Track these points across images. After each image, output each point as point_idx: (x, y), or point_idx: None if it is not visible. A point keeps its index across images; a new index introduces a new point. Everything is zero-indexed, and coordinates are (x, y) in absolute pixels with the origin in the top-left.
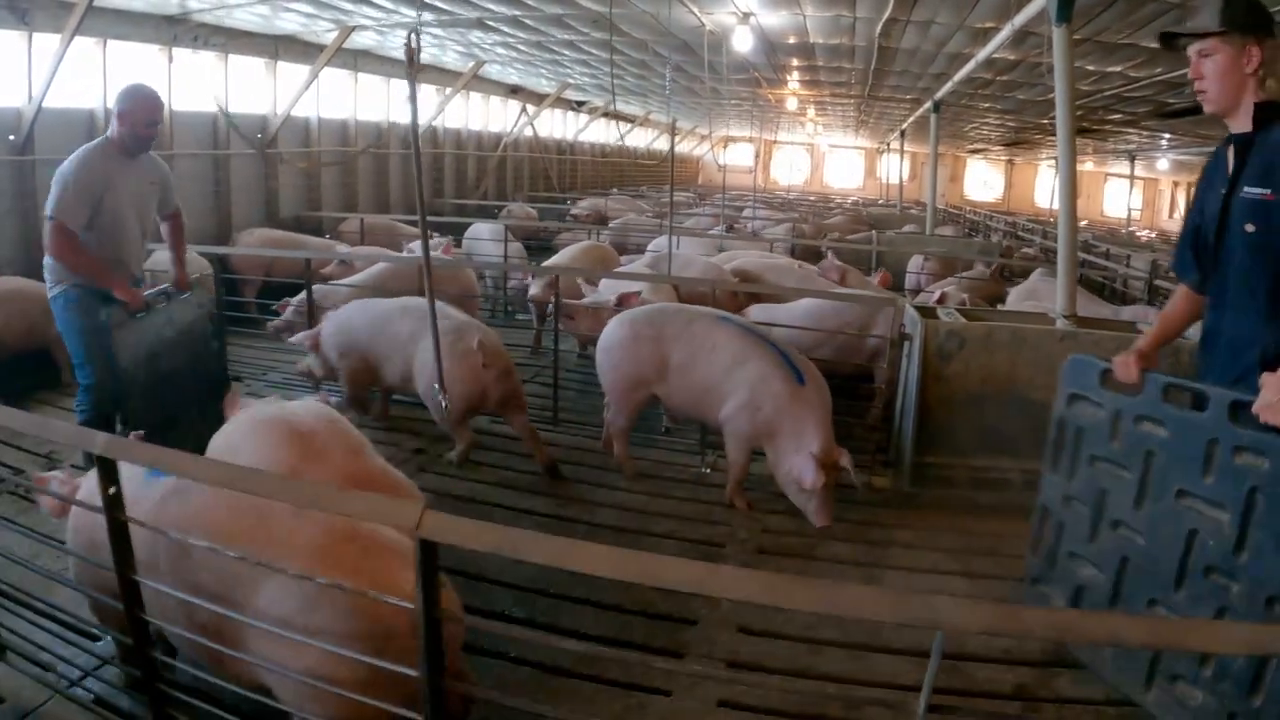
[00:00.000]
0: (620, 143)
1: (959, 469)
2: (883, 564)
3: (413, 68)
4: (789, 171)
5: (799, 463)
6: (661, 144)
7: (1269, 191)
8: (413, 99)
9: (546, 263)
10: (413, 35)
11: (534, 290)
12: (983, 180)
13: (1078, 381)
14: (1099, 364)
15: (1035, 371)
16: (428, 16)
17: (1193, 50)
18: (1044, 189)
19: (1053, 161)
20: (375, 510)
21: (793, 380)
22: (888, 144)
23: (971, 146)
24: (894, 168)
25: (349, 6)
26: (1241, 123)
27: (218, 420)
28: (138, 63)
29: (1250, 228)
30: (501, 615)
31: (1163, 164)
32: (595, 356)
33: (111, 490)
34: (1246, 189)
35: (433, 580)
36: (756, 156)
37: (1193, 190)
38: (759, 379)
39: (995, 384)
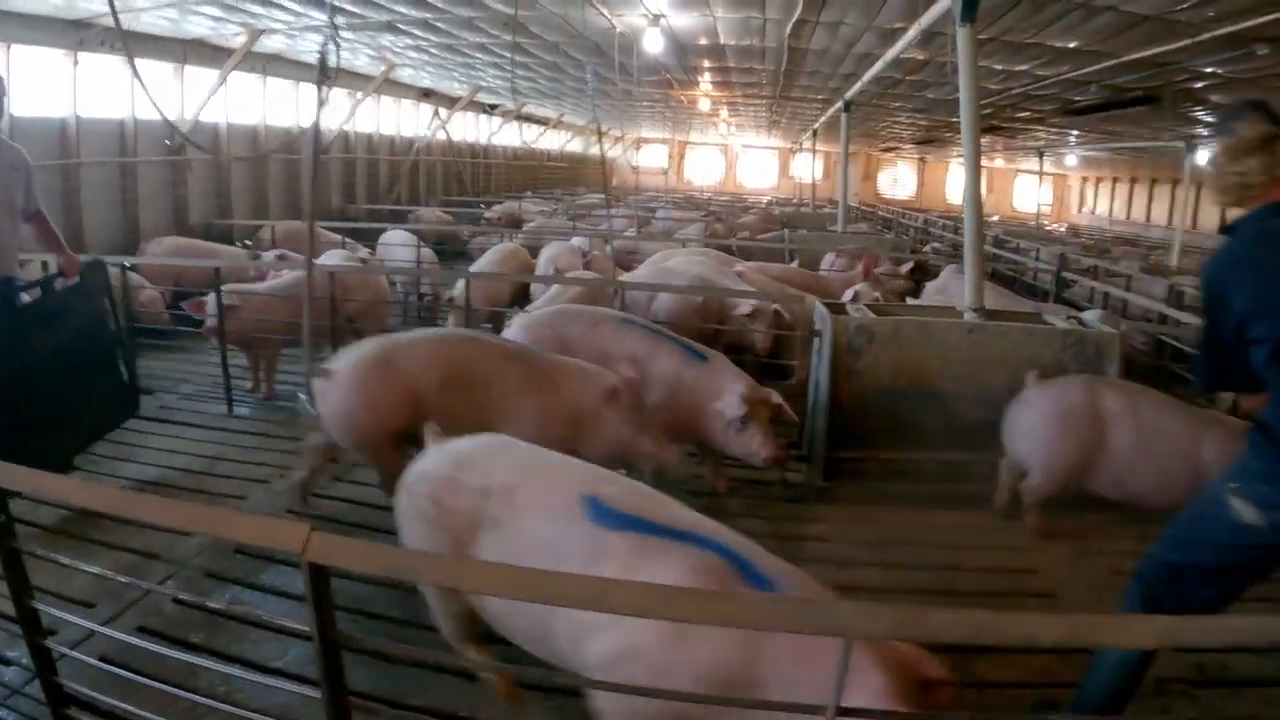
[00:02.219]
0: (533, 145)
1: (871, 461)
2: (798, 558)
3: (325, 76)
4: (703, 172)
5: (725, 402)
6: (574, 146)
7: None
8: (319, 106)
9: (473, 267)
10: (329, 44)
11: (452, 293)
12: (894, 178)
13: None
14: None
15: (945, 364)
16: (338, 20)
17: None
18: (955, 186)
19: (962, 159)
20: (260, 531)
21: (697, 361)
22: (800, 143)
23: (884, 145)
24: (807, 167)
25: (258, 10)
26: None
27: (110, 425)
28: (42, 67)
29: None
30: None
31: (1071, 160)
32: None
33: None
34: None
35: (325, 604)
36: (670, 157)
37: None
38: (670, 372)
39: (906, 377)
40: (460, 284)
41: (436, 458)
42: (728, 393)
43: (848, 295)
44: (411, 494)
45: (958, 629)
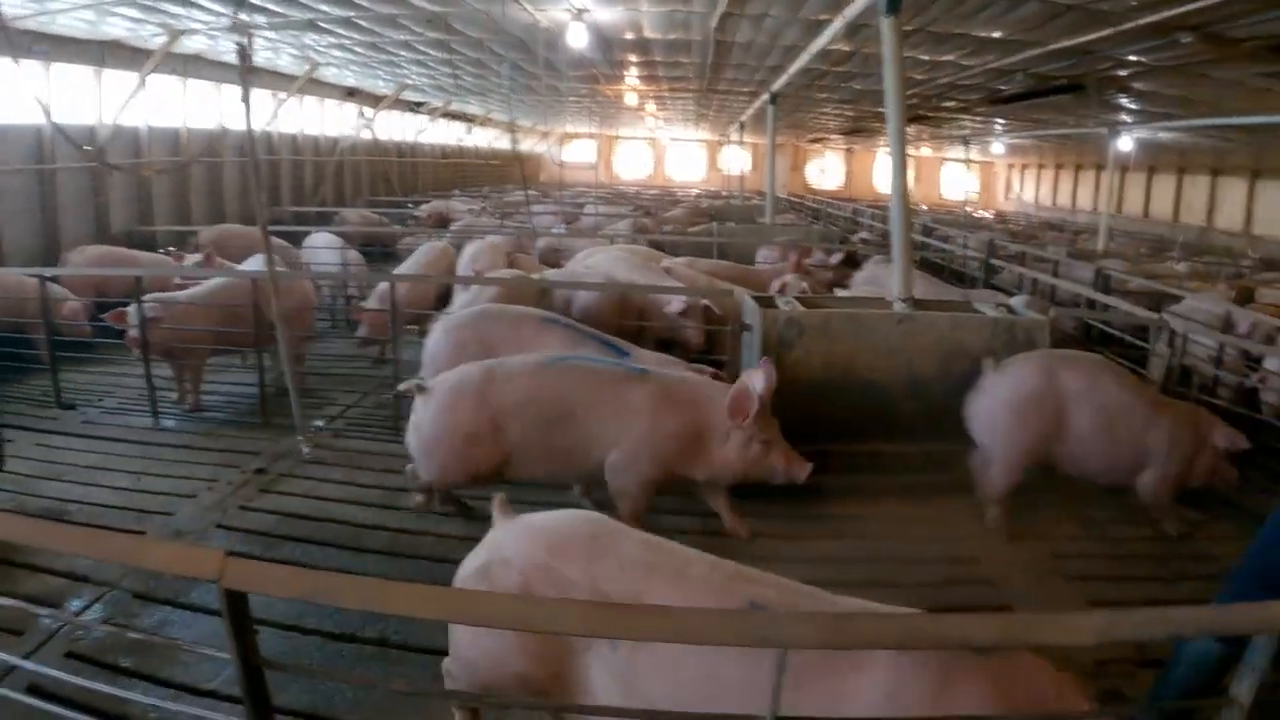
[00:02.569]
0: (461, 143)
1: (805, 455)
2: (735, 557)
3: (246, 71)
4: (631, 166)
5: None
6: (503, 143)
7: None
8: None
9: (399, 269)
10: (246, 40)
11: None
12: (821, 168)
13: None
14: None
15: (875, 355)
16: (260, 19)
17: None
18: (883, 175)
19: (889, 148)
20: (174, 559)
21: (617, 355)
22: (728, 136)
23: (811, 136)
24: (735, 159)
25: (177, 10)
26: None
27: None
28: None
29: None
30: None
31: (997, 148)
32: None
33: None
34: None
35: (245, 628)
36: (599, 152)
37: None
38: None
39: (836, 369)
40: (375, 293)
41: (519, 538)
42: None
43: (775, 287)
44: (490, 580)
45: (893, 634)
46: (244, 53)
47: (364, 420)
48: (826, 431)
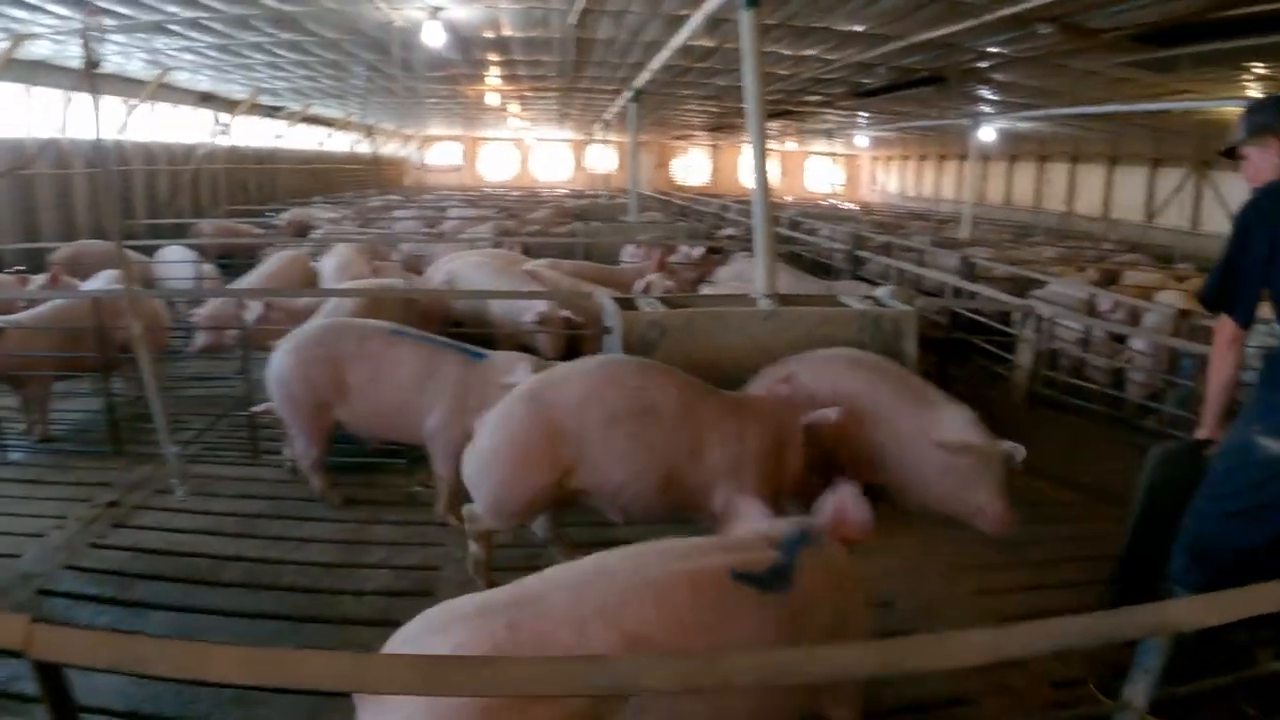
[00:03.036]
0: (321, 148)
1: None
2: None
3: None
4: (497, 167)
5: (514, 375)
6: (365, 148)
7: None
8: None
9: (247, 281)
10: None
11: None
12: (688, 165)
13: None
14: None
15: (741, 353)
16: (107, 21)
17: (1239, 152)
18: (747, 170)
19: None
20: None
21: (476, 365)
22: (593, 135)
23: (677, 133)
24: (601, 158)
25: (21, 14)
26: None
27: None
28: None
29: None
30: None
31: (861, 140)
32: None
33: None
34: None
35: (65, 704)
36: (463, 154)
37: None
38: (455, 383)
39: (702, 369)
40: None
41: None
42: (518, 368)
43: (639, 287)
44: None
45: (757, 670)
46: (91, 56)
47: (219, 444)
48: None
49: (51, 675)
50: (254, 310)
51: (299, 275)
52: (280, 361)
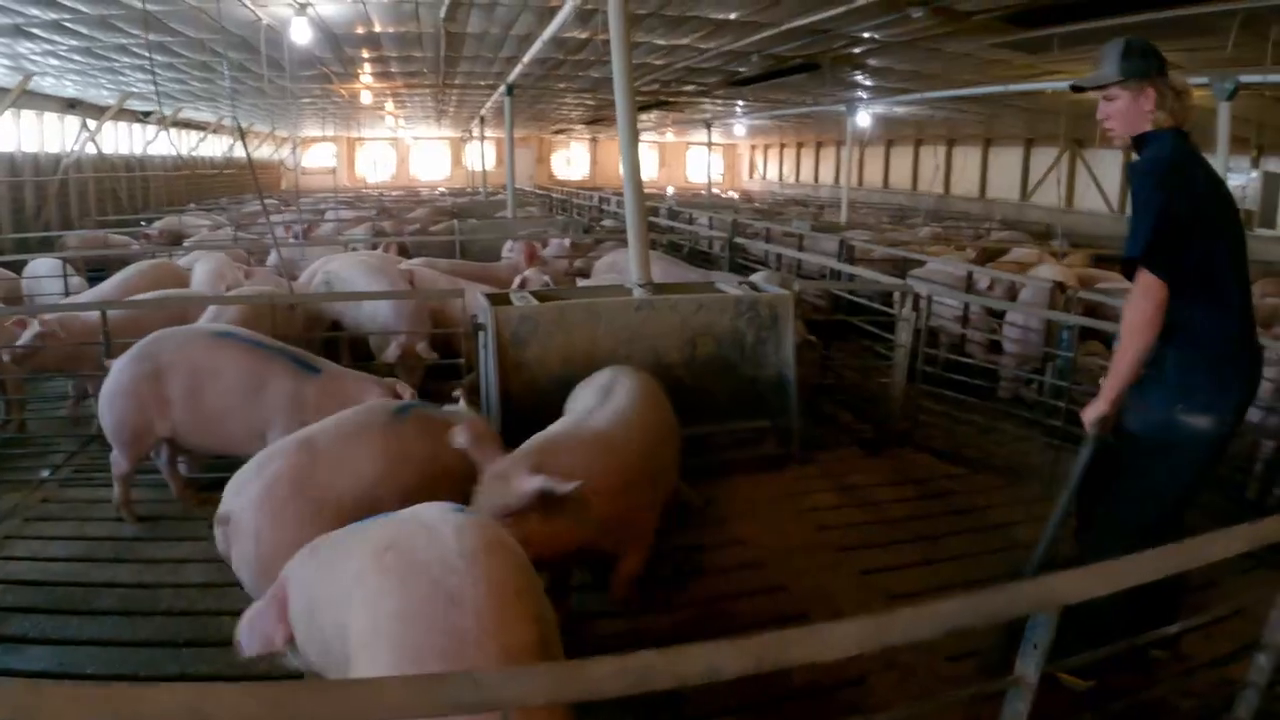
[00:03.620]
0: (194, 153)
1: None
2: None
3: None
4: (375, 168)
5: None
6: (238, 152)
7: None
8: None
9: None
10: None
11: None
12: (567, 159)
13: None
14: None
15: (616, 344)
16: None
17: (1099, 95)
18: None
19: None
20: None
21: (312, 377)
22: (470, 132)
23: (555, 127)
24: (479, 156)
25: None
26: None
27: None
28: None
29: None
30: None
31: (739, 129)
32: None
33: None
34: None
35: None
36: (339, 156)
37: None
38: (287, 397)
39: (576, 362)
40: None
41: None
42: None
43: (516, 283)
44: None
45: (623, 678)
46: None
47: (91, 467)
48: None
49: None
50: (32, 329)
51: (166, 284)
52: (111, 376)
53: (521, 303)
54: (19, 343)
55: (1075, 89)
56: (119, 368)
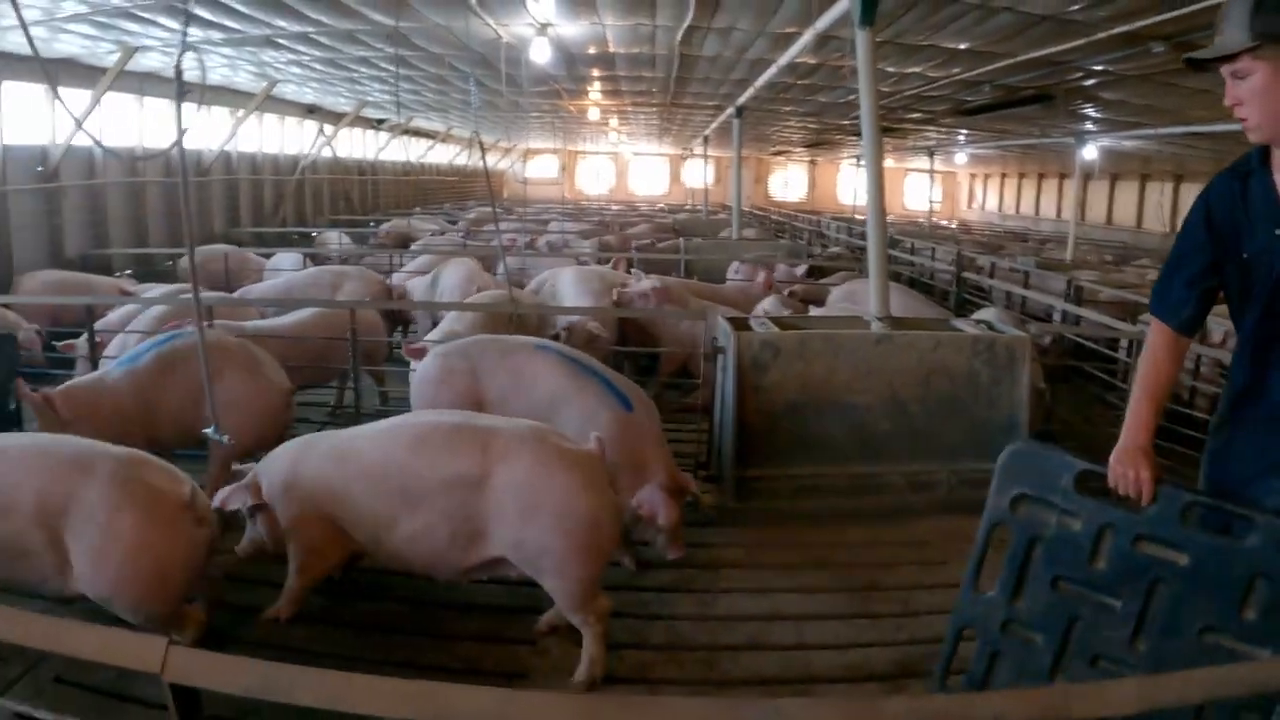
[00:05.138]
0: (423, 160)
1: (782, 479)
2: (713, 588)
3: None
4: (594, 181)
5: (647, 498)
6: (464, 160)
7: None
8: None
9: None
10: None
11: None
12: (785, 181)
13: (1031, 480)
14: (1072, 462)
15: (853, 376)
16: (215, 35)
17: (1226, 72)
18: (845, 187)
19: (853, 160)
20: (108, 648)
21: (620, 409)
22: (691, 150)
23: (774, 149)
24: (698, 173)
25: (133, 27)
26: None
27: None
28: None
29: None
30: None
31: (960, 158)
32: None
33: None
34: None
35: None
36: (561, 168)
37: (1186, 210)
38: (584, 415)
39: (813, 391)
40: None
41: None
42: (651, 486)
43: (760, 310)
44: None
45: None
46: (179, 71)
47: None
48: (804, 454)
49: (185, 698)
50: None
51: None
52: (425, 369)
53: (762, 329)
54: None
55: (1191, 64)
56: (434, 358)
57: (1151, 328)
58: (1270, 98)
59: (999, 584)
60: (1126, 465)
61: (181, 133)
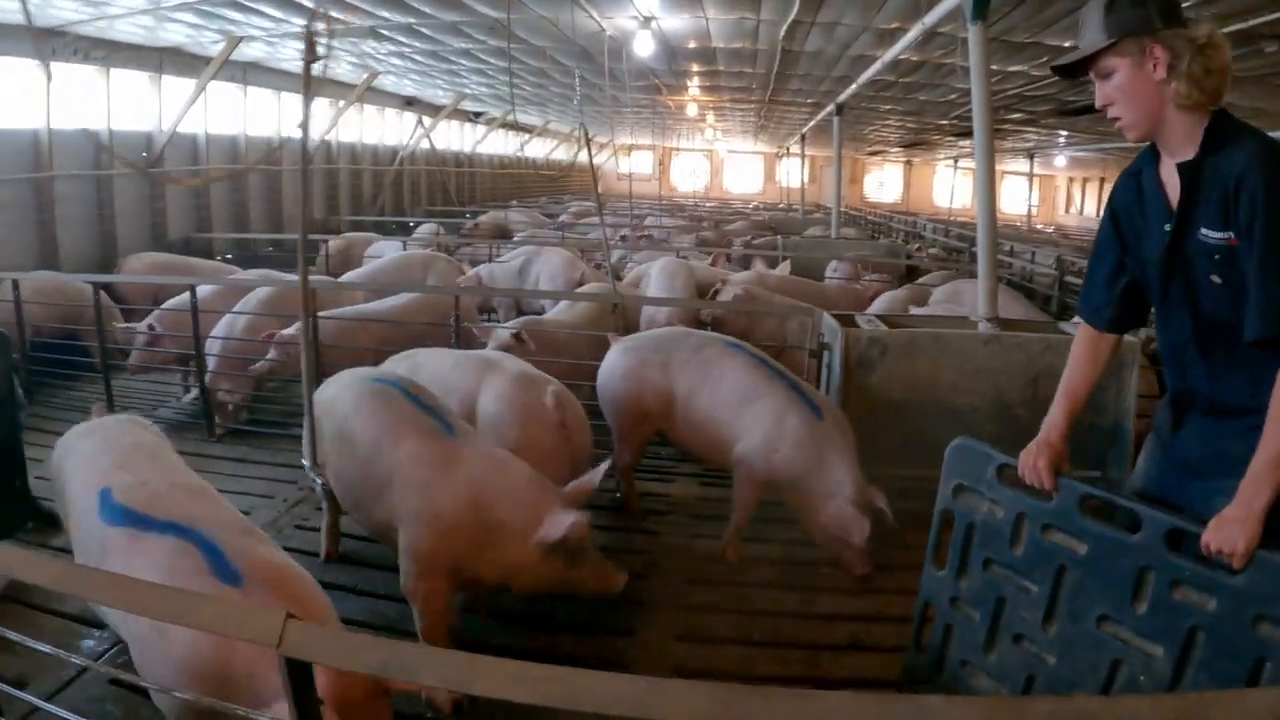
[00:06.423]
0: (520, 153)
1: (886, 479)
2: (819, 585)
3: (310, 65)
4: (688, 178)
5: (838, 514)
6: (560, 154)
7: (1231, 235)
8: (306, 102)
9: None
10: (314, 34)
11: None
12: (880, 181)
13: (966, 472)
14: (994, 456)
15: (959, 376)
16: (319, 25)
17: (1094, 75)
18: (941, 188)
19: (950, 161)
20: (225, 621)
21: (811, 417)
22: (787, 148)
23: (870, 148)
24: (794, 171)
25: (237, 16)
26: (1179, 145)
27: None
28: (11, 78)
29: (1216, 279)
30: None
31: (1060, 161)
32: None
33: None
34: (1205, 231)
35: (309, 707)
36: (657, 163)
37: (1099, 212)
38: (772, 418)
39: (918, 391)
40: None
41: None
42: (841, 500)
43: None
44: None
45: None
46: (312, 47)
47: None
48: (906, 455)
49: (299, 672)
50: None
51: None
52: (615, 362)
53: (869, 326)
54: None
55: (1059, 71)
56: (623, 352)
57: (1079, 328)
58: (1136, 93)
59: (948, 564)
60: (1032, 457)
61: (308, 119)
